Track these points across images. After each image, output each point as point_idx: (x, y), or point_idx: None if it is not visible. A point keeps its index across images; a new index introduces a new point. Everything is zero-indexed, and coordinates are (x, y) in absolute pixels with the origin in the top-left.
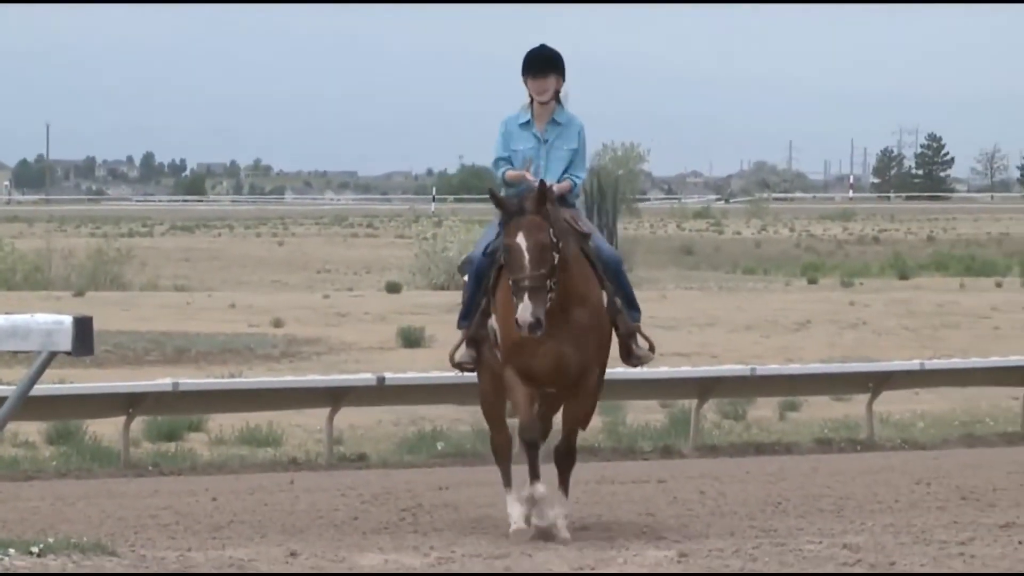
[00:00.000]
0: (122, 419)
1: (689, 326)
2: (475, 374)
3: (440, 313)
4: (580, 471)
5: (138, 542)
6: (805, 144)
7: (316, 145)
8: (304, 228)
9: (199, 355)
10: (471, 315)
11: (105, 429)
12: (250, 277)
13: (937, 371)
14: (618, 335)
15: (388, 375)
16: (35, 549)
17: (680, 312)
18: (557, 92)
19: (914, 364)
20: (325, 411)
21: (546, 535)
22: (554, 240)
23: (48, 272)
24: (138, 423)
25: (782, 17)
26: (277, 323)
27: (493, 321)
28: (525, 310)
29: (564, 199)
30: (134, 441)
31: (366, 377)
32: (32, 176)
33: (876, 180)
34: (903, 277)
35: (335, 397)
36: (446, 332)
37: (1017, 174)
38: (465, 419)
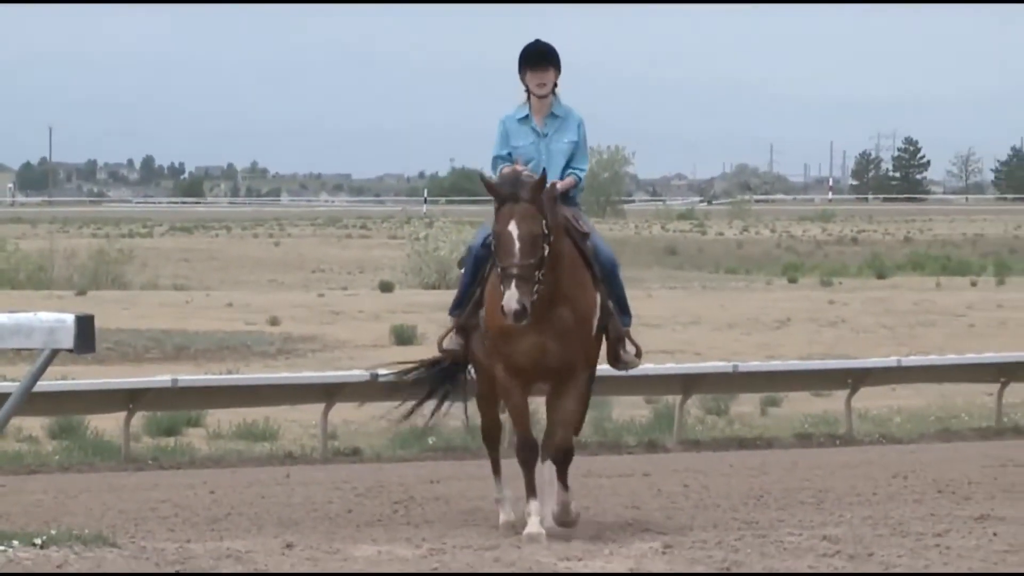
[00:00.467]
0: (123, 414)
1: (673, 324)
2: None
3: (432, 311)
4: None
5: (138, 534)
6: (785, 148)
7: (311, 149)
8: (299, 229)
9: (198, 352)
10: (464, 304)
11: (106, 424)
12: (247, 277)
13: (914, 368)
14: (607, 339)
15: (381, 371)
16: (38, 541)
17: (664, 311)
18: (555, 85)
19: (891, 361)
20: (320, 407)
21: (561, 525)
22: (546, 231)
23: (51, 272)
24: (138, 418)
25: (764, 25)
26: (273, 321)
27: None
28: (511, 298)
29: (567, 195)
30: (134, 436)
31: (360, 374)
32: (35, 178)
33: (854, 182)
34: (881, 276)
35: (329, 393)
36: (438, 330)
37: (991, 176)
38: (456, 415)
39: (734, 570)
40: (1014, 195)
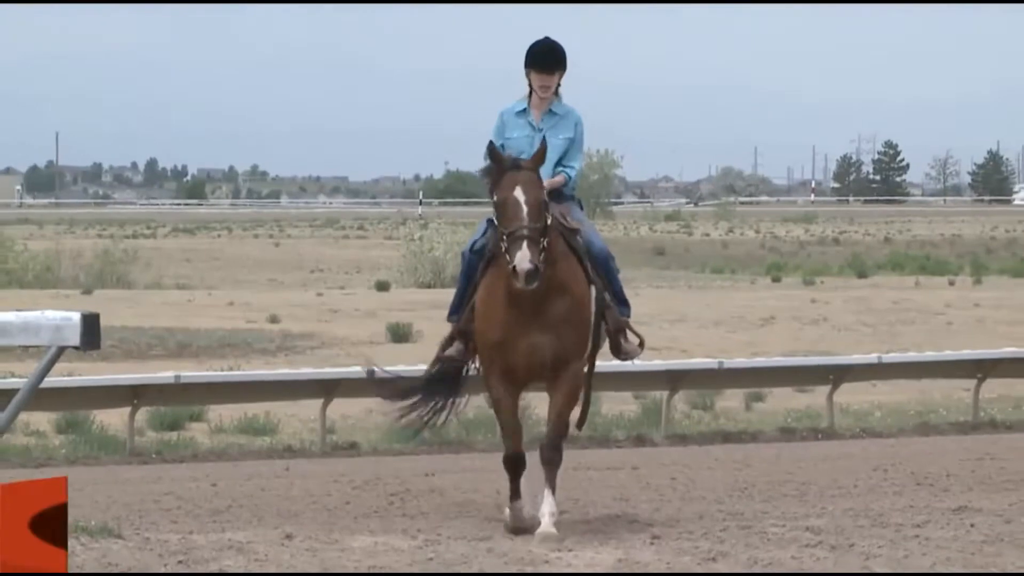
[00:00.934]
0: (127, 410)
1: (661, 322)
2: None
3: (426, 309)
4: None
5: (142, 525)
6: (769, 151)
7: (310, 152)
8: (298, 230)
9: (200, 349)
10: (461, 309)
11: (111, 419)
12: (248, 276)
13: (893, 364)
14: (607, 331)
15: (378, 368)
16: None
17: (652, 309)
18: (558, 86)
19: (872, 358)
20: (318, 402)
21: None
22: (546, 201)
23: (58, 271)
24: (142, 413)
25: (748, 33)
26: (273, 319)
27: None
28: (523, 258)
29: (559, 192)
30: (139, 430)
31: (357, 370)
32: (42, 181)
33: (836, 185)
34: (861, 276)
35: (328, 389)
36: (432, 328)
37: (968, 179)
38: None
39: (719, 560)
40: (990, 197)
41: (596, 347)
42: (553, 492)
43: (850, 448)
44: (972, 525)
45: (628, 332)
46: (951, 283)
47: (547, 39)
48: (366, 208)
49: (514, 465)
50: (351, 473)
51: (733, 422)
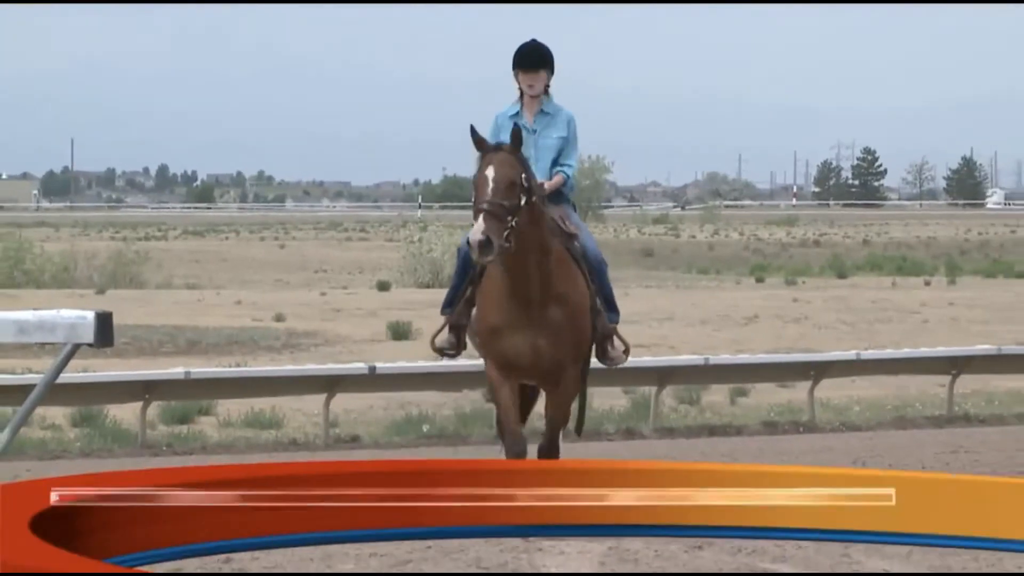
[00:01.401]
0: (139, 404)
1: (649, 320)
2: (456, 363)
3: (425, 308)
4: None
5: None
6: (753, 157)
7: (314, 158)
8: (303, 233)
9: (208, 346)
10: (455, 303)
11: (124, 413)
12: (254, 276)
13: (871, 361)
14: (595, 335)
15: (379, 364)
16: None
17: (641, 308)
18: (547, 86)
19: (851, 354)
20: (322, 397)
21: None
22: (524, 183)
23: (73, 272)
24: (154, 408)
25: (734, 45)
26: (279, 318)
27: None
28: (476, 230)
29: (558, 194)
30: (150, 424)
31: (359, 366)
32: (58, 186)
33: (817, 189)
34: (841, 276)
35: (331, 384)
36: (431, 326)
37: (943, 184)
38: (448, 404)
39: (705, 547)
40: (964, 201)
41: (589, 352)
42: None
43: (830, 441)
44: None
45: (615, 338)
46: (927, 283)
47: (532, 40)
48: (368, 212)
49: (517, 450)
50: None
51: (718, 416)
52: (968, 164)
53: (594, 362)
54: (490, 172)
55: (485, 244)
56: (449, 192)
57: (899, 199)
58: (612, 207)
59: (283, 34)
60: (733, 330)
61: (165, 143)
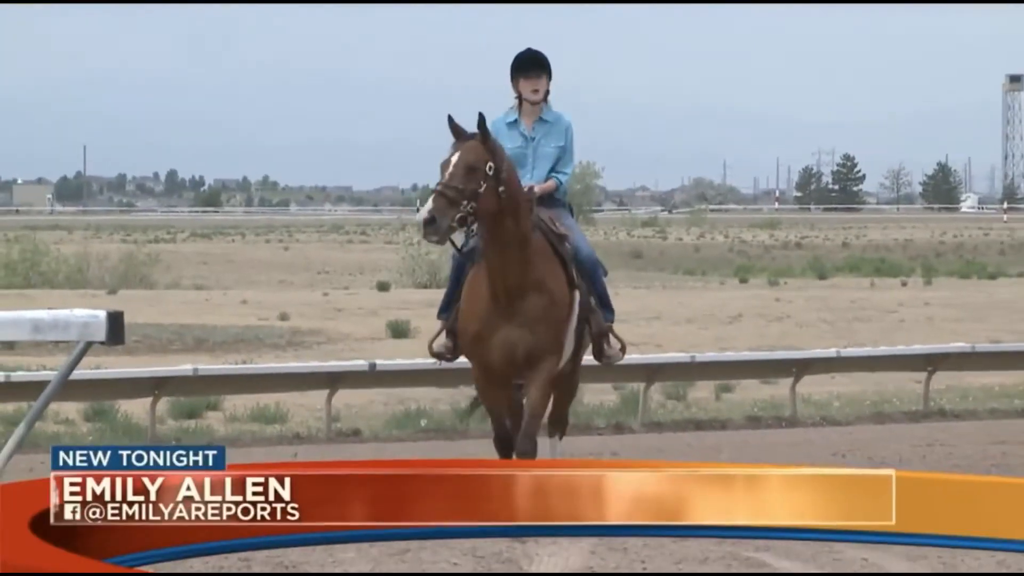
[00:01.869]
0: (149, 400)
1: (638, 320)
2: (453, 363)
3: (423, 308)
4: (542, 446)
5: None
6: (737, 163)
7: (317, 164)
8: (306, 235)
9: (216, 344)
10: (450, 308)
11: (134, 408)
12: (259, 277)
13: (851, 358)
14: (591, 334)
15: (379, 362)
16: None
17: (630, 307)
18: (547, 93)
19: (831, 352)
20: (324, 392)
21: None
22: (489, 171)
23: (86, 273)
24: (163, 403)
25: (720, 57)
26: (283, 317)
27: None
28: (424, 209)
29: (550, 197)
30: (159, 419)
31: (360, 363)
32: (71, 190)
33: (798, 194)
34: (821, 277)
35: (333, 380)
36: (429, 325)
37: (919, 189)
38: (445, 399)
39: (691, 538)
40: (939, 205)
41: (581, 349)
42: None
43: (811, 435)
44: None
45: (611, 337)
46: (903, 284)
47: (529, 48)
48: (368, 215)
49: (503, 446)
50: (355, 458)
51: (704, 411)
52: (943, 170)
53: (586, 359)
54: (453, 158)
55: (429, 222)
56: None
57: (877, 203)
58: (602, 211)
59: (286, 46)
60: (718, 329)
61: (174, 149)
